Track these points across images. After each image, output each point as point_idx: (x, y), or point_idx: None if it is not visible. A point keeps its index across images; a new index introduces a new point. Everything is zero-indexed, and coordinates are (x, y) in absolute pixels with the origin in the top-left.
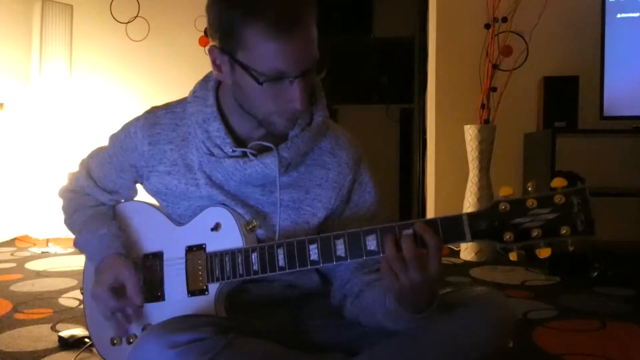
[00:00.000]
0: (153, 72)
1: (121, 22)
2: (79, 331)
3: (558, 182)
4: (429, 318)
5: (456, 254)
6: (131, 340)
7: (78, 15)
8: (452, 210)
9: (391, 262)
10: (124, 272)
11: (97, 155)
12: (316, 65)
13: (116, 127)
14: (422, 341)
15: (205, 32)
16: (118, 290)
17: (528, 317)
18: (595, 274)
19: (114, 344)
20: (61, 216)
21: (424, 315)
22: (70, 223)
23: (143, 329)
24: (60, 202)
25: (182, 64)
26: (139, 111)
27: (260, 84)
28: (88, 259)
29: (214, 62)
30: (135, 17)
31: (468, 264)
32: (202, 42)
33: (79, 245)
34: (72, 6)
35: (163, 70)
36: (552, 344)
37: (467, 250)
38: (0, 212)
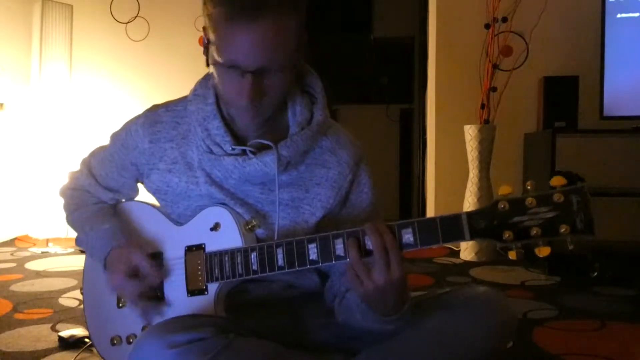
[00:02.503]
0: (153, 72)
1: (121, 22)
2: (79, 331)
3: (557, 181)
4: (430, 317)
5: (456, 254)
6: (131, 340)
7: (78, 15)
8: (452, 210)
9: (355, 267)
10: (134, 255)
11: (99, 154)
12: (275, 69)
13: (116, 127)
14: (421, 341)
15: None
16: (135, 275)
17: (528, 317)
18: (595, 274)
19: (114, 344)
20: (61, 216)
21: (396, 318)
22: (71, 221)
23: (143, 329)
24: (61, 201)
25: (182, 64)
26: (139, 111)
27: (213, 64)
28: (90, 255)
29: (204, 48)
30: (135, 17)
31: (468, 264)
32: (202, 42)
33: (81, 242)
34: (72, 6)
35: (163, 70)
36: (552, 344)
37: (467, 250)
38: (0, 212)
